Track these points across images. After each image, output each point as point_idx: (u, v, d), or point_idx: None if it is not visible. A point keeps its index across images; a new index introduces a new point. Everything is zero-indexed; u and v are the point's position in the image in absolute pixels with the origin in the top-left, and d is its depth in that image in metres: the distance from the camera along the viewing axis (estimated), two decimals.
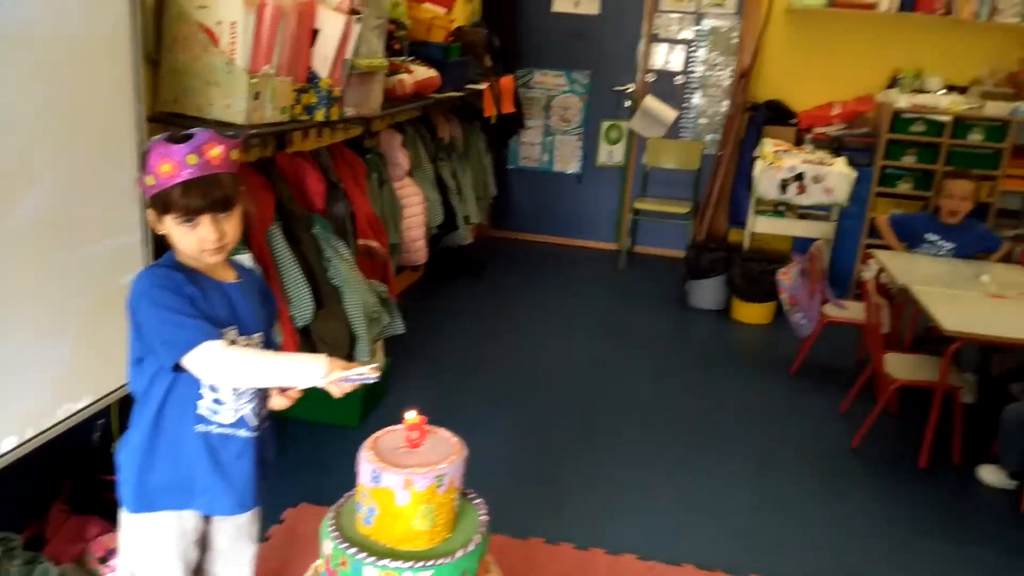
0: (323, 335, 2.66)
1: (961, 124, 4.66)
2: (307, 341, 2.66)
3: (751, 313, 4.57)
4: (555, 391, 3.59)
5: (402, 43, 3.48)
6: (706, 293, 4.71)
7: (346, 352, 2.71)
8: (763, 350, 4.31)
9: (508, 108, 4.82)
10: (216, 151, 1.42)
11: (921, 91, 4.82)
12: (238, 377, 1.42)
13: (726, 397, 3.66)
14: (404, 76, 3.34)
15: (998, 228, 4.66)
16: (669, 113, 5.31)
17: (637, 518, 2.67)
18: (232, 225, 1.46)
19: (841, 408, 3.54)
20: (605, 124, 5.69)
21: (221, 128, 2.25)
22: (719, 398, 3.65)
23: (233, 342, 1.45)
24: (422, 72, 3.52)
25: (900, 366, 3.21)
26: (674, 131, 5.50)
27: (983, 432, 3.11)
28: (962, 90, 4.84)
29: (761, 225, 4.65)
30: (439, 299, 4.63)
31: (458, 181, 4.37)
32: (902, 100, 4.73)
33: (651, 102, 5.34)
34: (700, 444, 3.20)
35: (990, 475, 3.03)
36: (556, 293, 4.94)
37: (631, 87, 5.55)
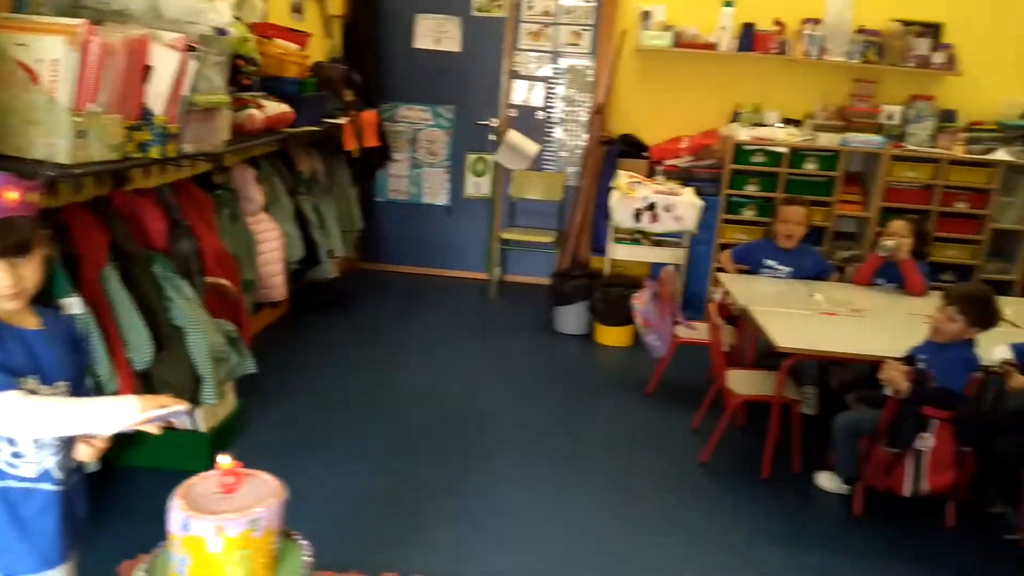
0: (165, 378, 2.57)
1: (797, 154, 5.03)
2: (148, 384, 2.56)
3: (612, 336, 4.73)
4: (422, 423, 3.58)
5: (252, 79, 3.44)
6: (570, 318, 4.84)
7: (190, 394, 2.62)
8: (623, 371, 4.46)
9: (372, 142, 4.83)
10: (11, 195, 1.37)
11: (760, 124, 5.17)
12: (35, 427, 1.36)
13: (588, 417, 3.77)
14: (254, 111, 3.30)
15: (835, 249, 5.06)
16: (532, 147, 5.45)
17: (499, 542, 2.71)
18: (30, 270, 1.41)
19: (692, 424, 3.70)
20: (471, 157, 5.79)
21: (42, 167, 2.16)
22: (581, 419, 3.75)
23: (33, 391, 1.39)
24: (274, 107, 3.48)
25: (742, 382, 3.40)
26: (538, 164, 5.66)
27: (823, 441, 3.31)
28: (797, 123, 5.22)
29: (620, 252, 4.83)
30: (304, 334, 4.55)
31: (320, 215, 4.32)
32: (743, 133, 5.07)
33: (514, 136, 5.47)
34: (562, 464, 3.29)
35: (827, 481, 3.25)
36: (427, 324, 4.95)
37: (495, 121, 5.68)
